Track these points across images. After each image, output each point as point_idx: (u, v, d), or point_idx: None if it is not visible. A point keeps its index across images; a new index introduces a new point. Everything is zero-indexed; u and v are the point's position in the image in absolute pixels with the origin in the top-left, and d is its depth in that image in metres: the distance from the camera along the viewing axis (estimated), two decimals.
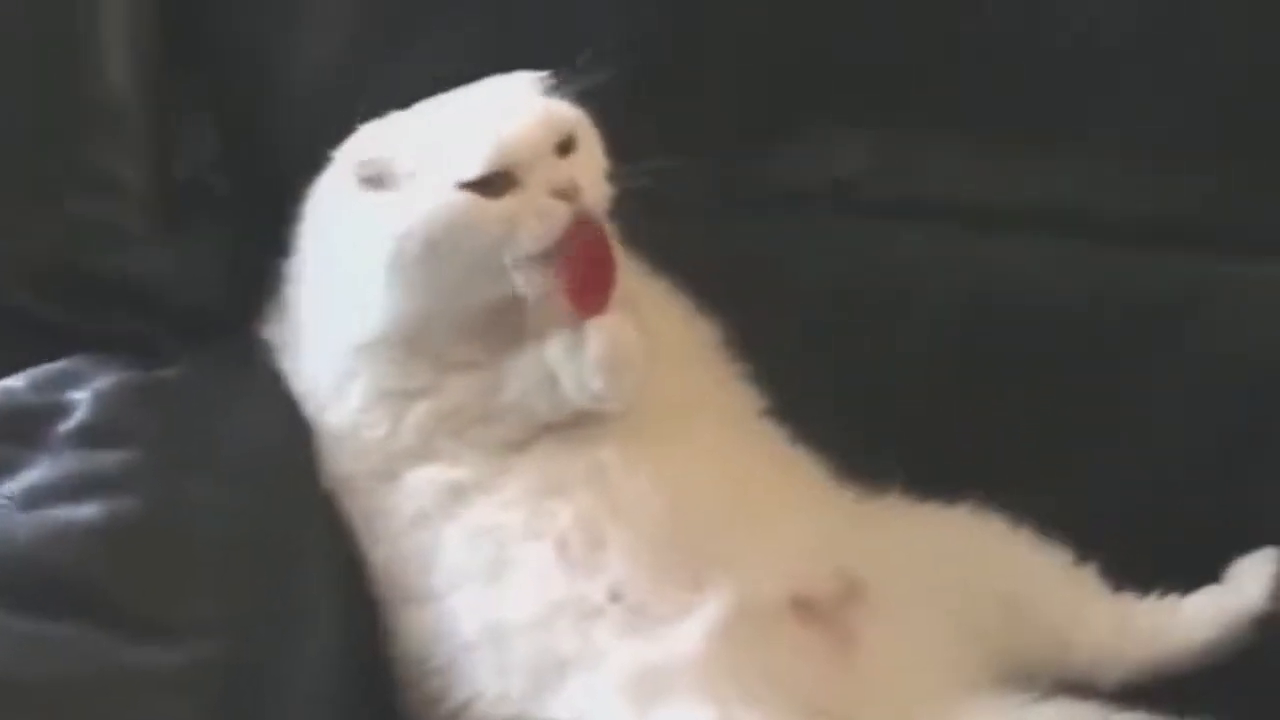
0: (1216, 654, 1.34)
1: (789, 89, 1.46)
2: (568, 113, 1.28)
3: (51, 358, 1.34)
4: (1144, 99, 1.43)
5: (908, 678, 1.28)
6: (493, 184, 1.24)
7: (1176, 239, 1.46)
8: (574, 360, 1.26)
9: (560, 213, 1.24)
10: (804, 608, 1.26)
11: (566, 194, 1.24)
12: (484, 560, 1.25)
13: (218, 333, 1.38)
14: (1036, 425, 1.45)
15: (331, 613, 1.25)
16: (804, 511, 1.31)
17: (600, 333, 1.25)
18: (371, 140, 1.29)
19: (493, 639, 1.23)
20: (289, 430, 1.31)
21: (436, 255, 1.24)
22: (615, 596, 1.23)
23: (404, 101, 1.33)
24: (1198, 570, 1.38)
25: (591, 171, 1.27)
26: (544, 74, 1.29)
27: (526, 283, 1.24)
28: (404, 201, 1.25)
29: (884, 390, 1.46)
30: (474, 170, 1.23)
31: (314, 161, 1.33)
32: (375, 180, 1.26)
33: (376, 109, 1.32)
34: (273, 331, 1.36)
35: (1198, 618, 1.35)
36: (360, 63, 1.44)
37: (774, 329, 1.40)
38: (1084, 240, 1.47)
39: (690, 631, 1.22)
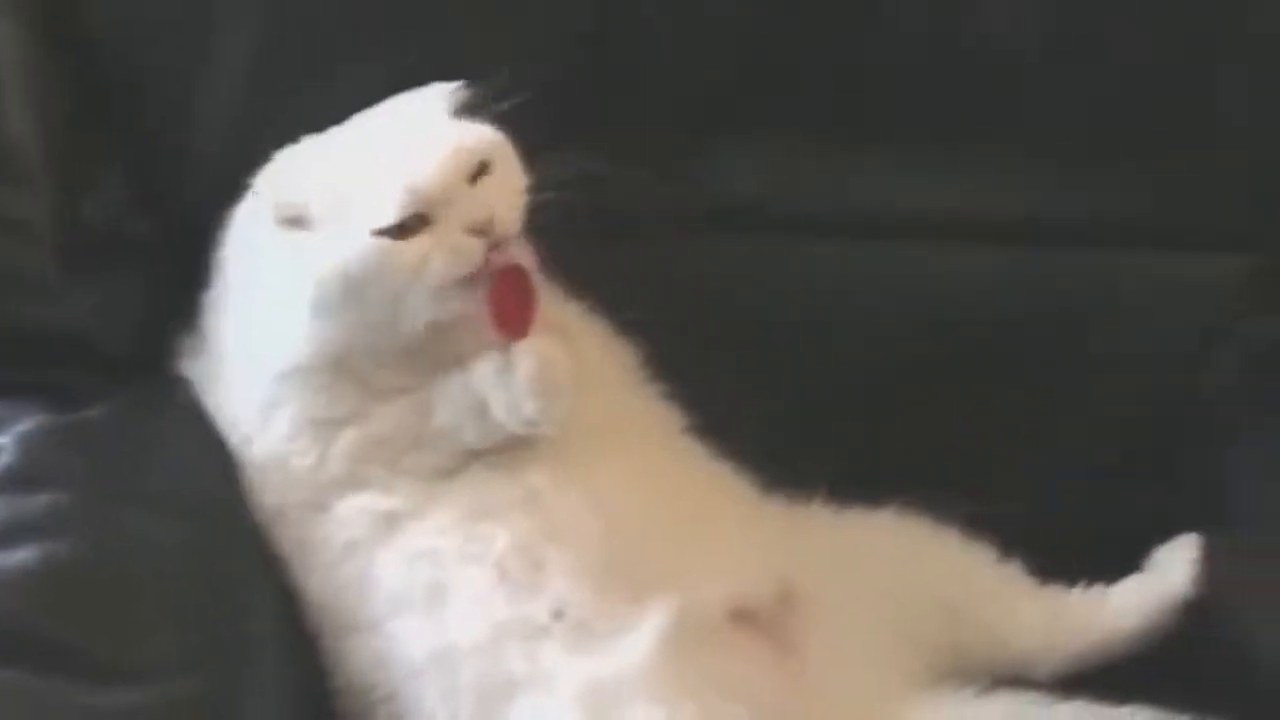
0: (1145, 640, 1.37)
1: (714, 103, 1.47)
2: (479, 138, 1.28)
3: None
4: (1062, 106, 1.46)
5: (850, 682, 1.29)
6: (407, 225, 1.24)
7: (1100, 239, 1.50)
8: (503, 384, 1.26)
9: (474, 249, 1.24)
10: (743, 618, 1.27)
11: (480, 229, 1.24)
12: (422, 586, 1.25)
13: (137, 374, 1.36)
14: (970, 430, 1.48)
15: (278, 646, 1.24)
16: (736, 523, 1.32)
17: (528, 355, 1.26)
18: (286, 177, 1.28)
19: (438, 664, 1.23)
20: (217, 463, 1.29)
21: (355, 297, 1.24)
22: (558, 615, 1.23)
23: (316, 129, 1.32)
24: (1132, 562, 1.42)
25: (506, 196, 1.26)
26: (456, 86, 1.29)
27: (446, 310, 1.25)
28: (321, 245, 1.25)
29: (816, 403, 1.48)
30: (386, 218, 1.23)
31: (229, 195, 1.32)
32: (292, 222, 1.26)
33: (288, 139, 1.31)
34: (191, 367, 1.35)
35: (1125, 606, 1.37)
36: (270, 94, 1.43)
37: (701, 346, 1.40)
38: (1012, 245, 1.49)
39: (636, 644, 1.22)
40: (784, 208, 1.49)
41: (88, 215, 1.41)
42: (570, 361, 1.27)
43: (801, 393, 1.48)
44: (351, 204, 1.24)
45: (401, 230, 1.23)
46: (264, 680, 1.21)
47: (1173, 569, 1.38)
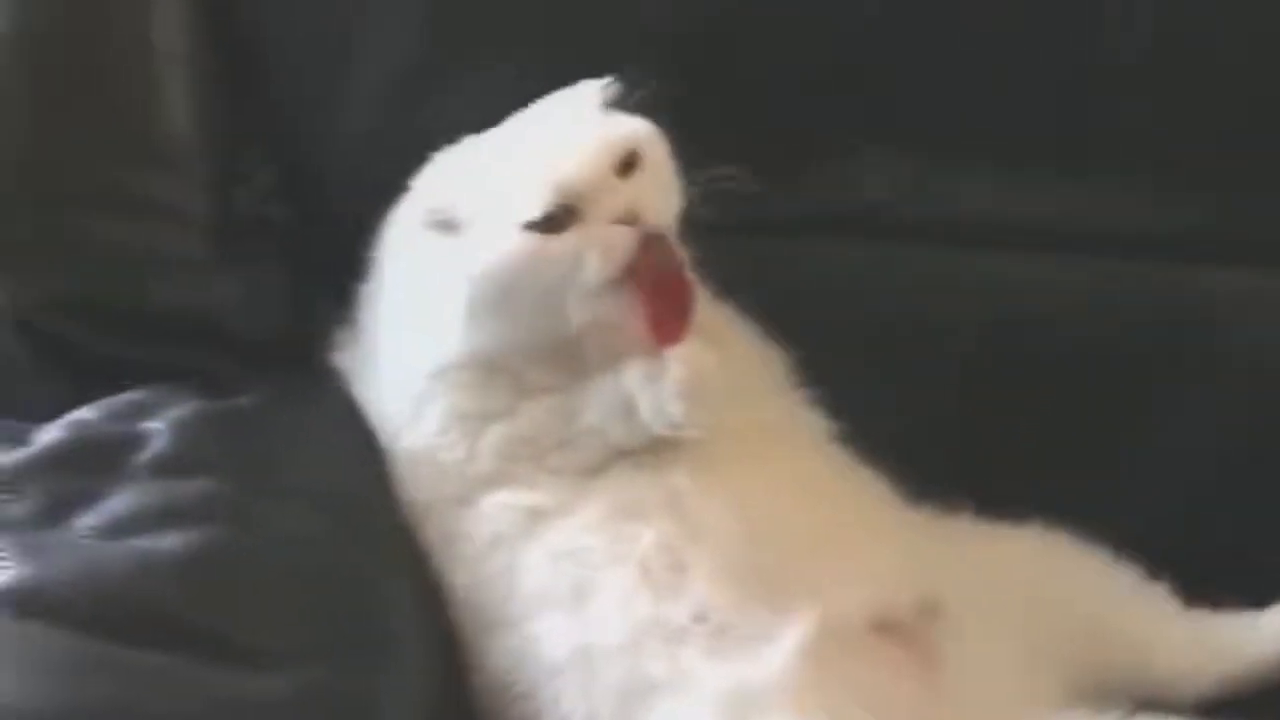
0: None
1: (818, 112, 1.46)
2: (628, 130, 1.27)
3: (110, 391, 1.33)
4: (1158, 120, 1.44)
5: (990, 697, 1.27)
6: (556, 220, 1.23)
7: (1197, 253, 1.47)
8: (652, 388, 1.26)
9: (625, 240, 1.23)
10: (885, 629, 1.26)
11: (629, 219, 1.23)
12: (566, 584, 1.25)
13: (285, 363, 1.37)
14: (1071, 443, 1.46)
15: (415, 641, 1.23)
16: (881, 533, 1.31)
17: (681, 362, 1.25)
18: (437, 182, 1.29)
19: (579, 663, 1.23)
20: (365, 457, 1.30)
21: (508, 297, 1.25)
22: (699, 619, 1.23)
23: (461, 129, 1.33)
24: (1235, 588, 1.39)
25: (657, 189, 1.26)
26: (606, 82, 1.29)
27: (601, 312, 1.25)
28: (471, 247, 1.25)
29: (925, 414, 1.46)
30: (534, 212, 1.23)
31: (372, 190, 1.33)
32: (442, 226, 1.26)
33: (437, 130, 1.32)
34: (344, 359, 1.36)
35: (1275, 632, 1.35)
36: (415, 92, 1.45)
37: (837, 351, 1.39)
38: (1110, 258, 1.48)
39: (777, 652, 1.21)
40: (907, 214, 1.48)
41: (238, 203, 1.43)
42: (721, 369, 1.26)
43: (925, 401, 1.47)
44: (500, 202, 1.25)
45: (551, 225, 1.23)
46: (403, 675, 1.21)
47: None
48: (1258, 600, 1.38)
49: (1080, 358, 1.46)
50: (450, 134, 1.33)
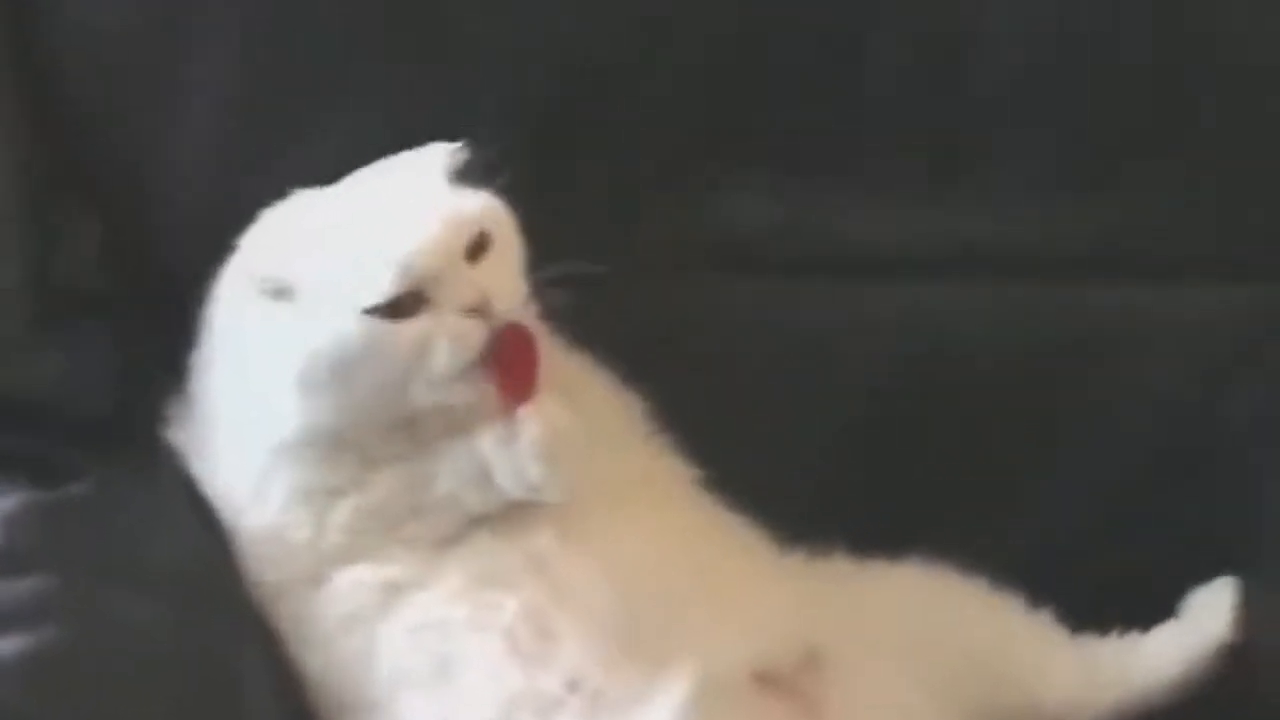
0: (1183, 690, 1.31)
1: (686, 148, 1.41)
2: (476, 208, 1.21)
3: None
4: (1047, 137, 1.41)
5: None
6: (401, 305, 1.17)
7: (1094, 272, 1.43)
8: (507, 452, 1.20)
9: (476, 332, 1.17)
10: (767, 681, 1.21)
11: (480, 310, 1.17)
12: (428, 659, 1.18)
13: (116, 442, 1.29)
14: (974, 470, 1.41)
15: None
16: (756, 581, 1.26)
17: (534, 421, 1.19)
18: (269, 244, 1.22)
19: None
20: (208, 539, 1.23)
21: (344, 378, 1.18)
22: (573, 686, 1.17)
23: (300, 183, 1.26)
24: (1141, 606, 1.36)
25: (506, 272, 1.21)
26: (455, 147, 1.23)
27: (446, 394, 1.19)
28: (306, 321, 1.18)
29: (812, 449, 1.42)
30: (378, 296, 1.17)
31: (204, 248, 1.26)
32: (274, 293, 1.19)
33: (270, 188, 1.25)
34: (180, 434, 1.28)
35: (1163, 655, 1.32)
36: (248, 141, 1.37)
37: (689, 396, 1.33)
38: (1002, 282, 1.43)
39: (656, 714, 1.16)
40: (786, 249, 1.43)
41: (56, 270, 1.35)
42: (578, 425, 1.21)
43: (803, 437, 1.42)
44: (339, 278, 1.18)
45: (395, 310, 1.17)
46: None
47: (1211, 615, 1.32)
48: (1145, 626, 1.35)
49: (976, 385, 1.42)
50: (288, 188, 1.26)
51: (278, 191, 1.26)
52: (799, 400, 1.42)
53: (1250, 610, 1.31)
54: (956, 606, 1.32)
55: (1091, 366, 1.42)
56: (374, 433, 1.21)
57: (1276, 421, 1.41)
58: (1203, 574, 1.36)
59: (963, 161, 1.41)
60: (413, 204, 1.20)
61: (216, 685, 1.16)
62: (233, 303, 1.23)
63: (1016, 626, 1.32)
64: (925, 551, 1.33)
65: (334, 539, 1.21)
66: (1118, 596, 1.36)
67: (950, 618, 1.31)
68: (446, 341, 1.17)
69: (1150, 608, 1.35)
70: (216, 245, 1.25)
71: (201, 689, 1.15)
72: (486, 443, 1.20)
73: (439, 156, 1.23)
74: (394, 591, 1.20)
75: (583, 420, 1.21)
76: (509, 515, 1.22)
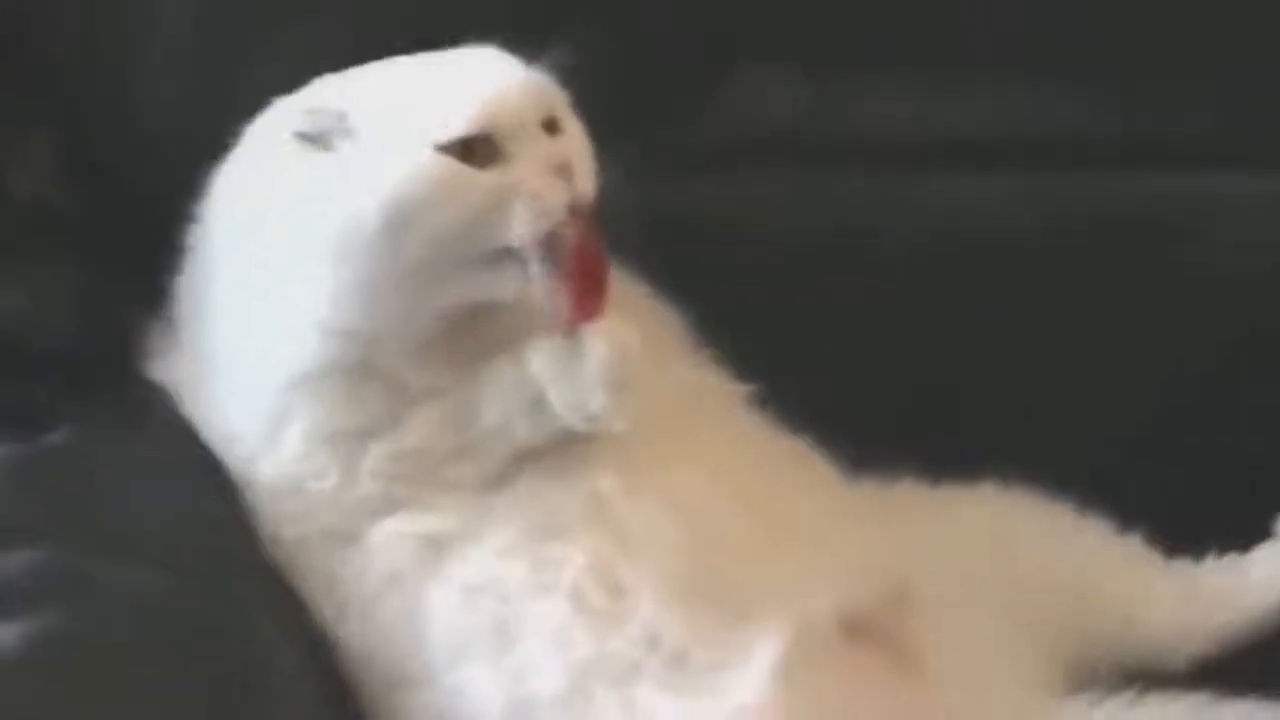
0: None
1: (718, 33, 1.29)
2: (553, 88, 1.07)
3: None
4: (1084, 24, 1.29)
5: (981, 688, 1.10)
6: (475, 153, 1.02)
7: (1132, 160, 1.32)
8: (568, 375, 1.05)
9: (559, 193, 1.02)
10: (857, 631, 1.08)
11: (563, 172, 1.03)
12: (486, 625, 1.04)
13: (93, 382, 1.12)
14: (1035, 369, 1.31)
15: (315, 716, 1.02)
16: (835, 518, 1.12)
17: (601, 342, 1.04)
18: (319, 92, 1.06)
19: (516, 718, 1.02)
20: (214, 493, 1.06)
21: (405, 231, 1.01)
22: (651, 646, 1.03)
23: (268, 96, 1.09)
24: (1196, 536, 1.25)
25: (583, 155, 1.06)
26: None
27: (511, 280, 1.03)
28: (360, 164, 1.02)
29: (856, 353, 1.29)
30: (457, 128, 1.01)
31: (177, 164, 1.11)
32: (321, 137, 1.03)
33: (235, 105, 1.09)
34: (168, 370, 1.12)
35: (1268, 576, 1.20)
36: (215, 56, 1.22)
37: (723, 304, 1.18)
38: (1037, 170, 1.32)
39: (749, 678, 1.02)
40: (814, 138, 1.31)
41: (13, 190, 1.18)
42: (644, 349, 1.06)
43: (845, 339, 1.30)
44: (406, 115, 1.02)
45: (469, 155, 1.02)
46: None
47: None
48: (1227, 547, 1.24)
49: (1015, 275, 1.30)
50: (261, 99, 1.10)
51: (249, 103, 1.10)
52: (836, 300, 1.30)
53: None
54: (1043, 534, 1.20)
55: (1153, 254, 1.31)
56: (407, 356, 1.05)
57: None
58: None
59: (998, 48, 1.30)
60: (486, 68, 1.06)
61: (241, 670, 1.00)
62: (247, 180, 1.07)
63: (1109, 552, 1.21)
64: (994, 466, 1.21)
65: (365, 487, 1.05)
66: (1198, 516, 1.25)
67: (1036, 545, 1.19)
68: (529, 197, 1.02)
69: (1237, 528, 1.24)
70: (187, 162, 1.11)
71: (225, 676, 0.99)
72: (542, 364, 1.05)
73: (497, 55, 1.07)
74: (439, 545, 1.05)
75: (644, 337, 1.07)
76: (561, 451, 1.07)
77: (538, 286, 1.03)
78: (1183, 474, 1.29)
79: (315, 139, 1.04)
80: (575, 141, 1.06)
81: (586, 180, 1.05)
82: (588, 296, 1.04)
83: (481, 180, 1.02)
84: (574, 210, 1.03)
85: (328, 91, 1.07)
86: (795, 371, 1.18)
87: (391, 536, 1.06)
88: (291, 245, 1.04)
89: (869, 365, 1.29)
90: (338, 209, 1.02)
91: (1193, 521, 1.24)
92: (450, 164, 1.01)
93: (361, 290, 1.03)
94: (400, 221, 1.01)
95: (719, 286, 1.18)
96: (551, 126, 1.05)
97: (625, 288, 1.13)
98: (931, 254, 1.31)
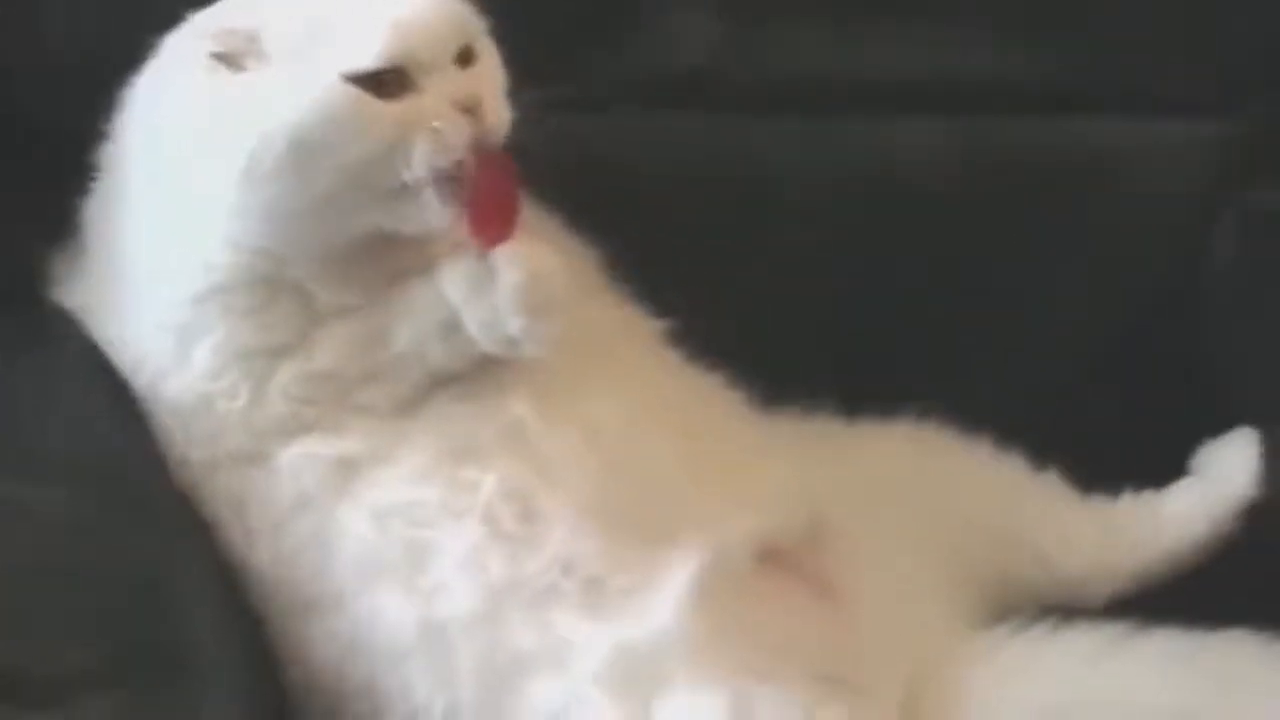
0: (1206, 550, 1.20)
1: None
2: (470, 17, 1.05)
3: None
4: None
5: (896, 620, 1.11)
6: (384, 84, 1.00)
7: (1047, 106, 1.31)
8: (481, 297, 1.03)
9: (463, 129, 1.01)
10: (772, 559, 1.08)
11: (470, 108, 1.01)
12: (398, 547, 1.02)
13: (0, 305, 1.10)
14: (948, 314, 1.29)
15: (218, 641, 0.99)
16: (749, 449, 1.12)
17: (514, 264, 1.03)
18: (234, 10, 1.03)
19: (429, 643, 1.01)
20: (121, 414, 1.04)
21: (310, 160, 1.00)
22: (566, 571, 1.02)
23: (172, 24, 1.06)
24: (1142, 462, 1.25)
25: (493, 88, 1.04)
26: None
27: (415, 210, 1.01)
28: (269, 89, 1.00)
29: (772, 294, 1.28)
30: (368, 60, 0.99)
31: (79, 84, 1.08)
32: (234, 57, 1.01)
33: (139, 34, 1.06)
34: (73, 294, 1.10)
35: (1185, 514, 1.20)
36: None
37: (638, 242, 1.17)
38: (953, 114, 1.31)
39: (663, 604, 1.02)
40: (734, 79, 1.29)
41: None
42: (561, 271, 1.04)
43: (762, 281, 1.28)
44: (319, 39, 1.00)
45: (379, 86, 1.00)
46: (205, 688, 0.96)
47: (1231, 469, 1.21)
48: (1153, 485, 1.24)
49: (951, 224, 1.29)
50: (182, 12, 1.06)
51: (160, 21, 1.07)
52: (756, 243, 1.29)
53: (1273, 463, 1.20)
54: (958, 469, 1.20)
55: (1068, 199, 1.30)
56: (319, 274, 1.04)
57: (1254, 261, 1.31)
58: (1204, 424, 1.25)
59: None
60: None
61: (145, 595, 0.98)
62: (156, 98, 1.05)
63: (1023, 488, 1.20)
64: (912, 408, 1.21)
65: (275, 408, 1.04)
66: (1115, 455, 1.24)
67: (953, 481, 1.19)
68: (432, 131, 1.00)
69: (1153, 464, 1.24)
70: (95, 83, 1.08)
71: (127, 601, 0.97)
72: (456, 287, 1.04)
73: None
74: (350, 468, 1.04)
75: (563, 261, 1.06)
76: (475, 377, 1.06)
77: (437, 218, 1.01)
78: (1099, 414, 1.29)
79: (227, 59, 1.02)
80: (487, 75, 1.05)
81: (494, 115, 1.03)
82: (490, 226, 1.03)
83: (385, 113, 1.00)
84: (479, 145, 1.01)
85: (241, 11, 1.04)
86: (707, 314, 1.17)
87: (301, 458, 1.04)
88: (203, 163, 1.02)
89: (782, 308, 1.28)
90: (246, 132, 1.00)
91: (1110, 461, 1.24)
92: (356, 96, 1.00)
93: (270, 213, 1.02)
94: (304, 151, 1.00)
95: (631, 226, 1.16)
96: (466, 57, 1.04)
97: (540, 223, 1.12)
98: (845, 197, 1.29)
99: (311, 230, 1.03)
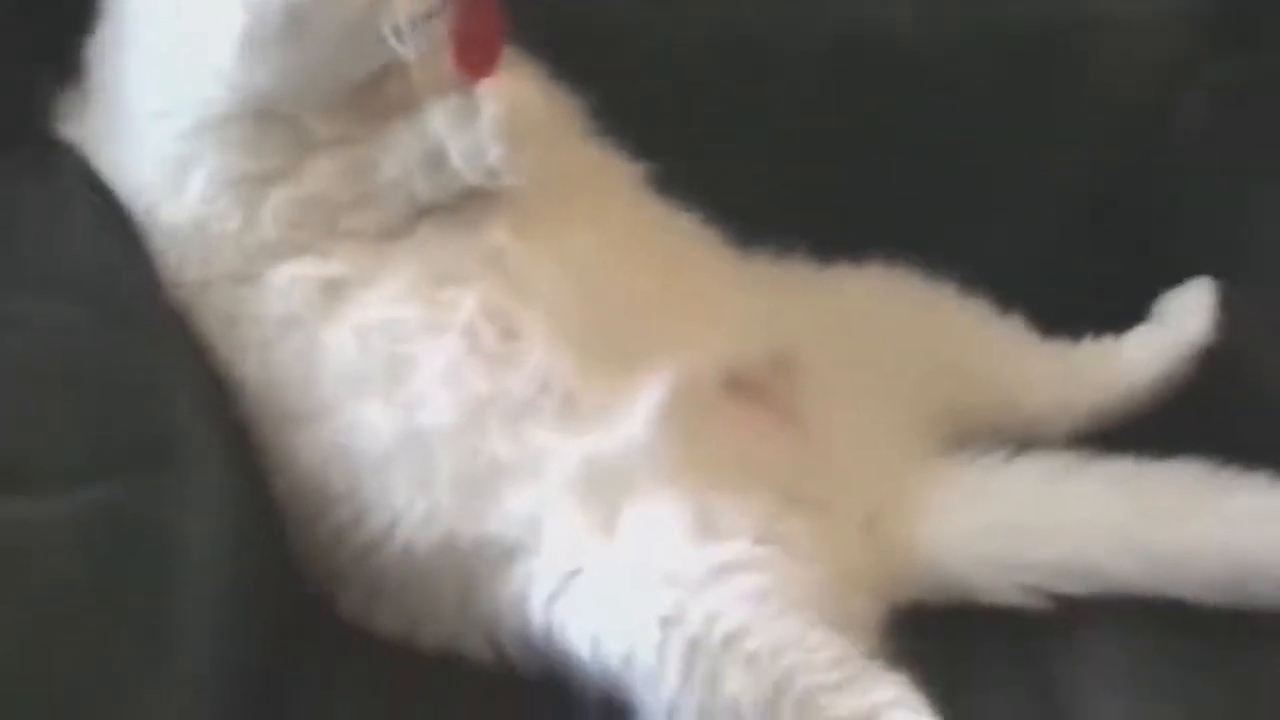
0: (1162, 393, 1.24)
1: None
2: None
3: None
4: None
5: (858, 451, 1.15)
6: None
7: None
8: (465, 129, 1.08)
9: None
10: (739, 387, 1.13)
11: None
12: (380, 362, 1.07)
13: (5, 138, 1.13)
14: (913, 176, 1.32)
15: (208, 444, 1.04)
16: (720, 283, 1.17)
17: (496, 98, 1.08)
18: None
19: (409, 451, 1.06)
20: (119, 236, 1.09)
21: (295, 32, 1.05)
22: (543, 388, 1.07)
23: None
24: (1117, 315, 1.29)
25: None
26: None
27: (403, 48, 1.06)
28: None
29: (755, 150, 1.32)
30: None
31: None
32: None
33: None
34: (75, 129, 1.14)
35: (1141, 357, 1.25)
36: None
37: (627, 93, 1.21)
38: None
39: (634, 419, 1.07)
40: None
41: None
42: (541, 105, 1.10)
43: (745, 137, 1.32)
44: None
45: None
46: (194, 484, 1.02)
47: (1190, 315, 1.25)
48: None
49: (926, 87, 1.32)
50: None
51: None
52: (737, 99, 1.32)
53: (1229, 311, 1.25)
54: (924, 311, 1.24)
55: (1041, 72, 1.34)
56: (311, 108, 1.08)
57: (1215, 129, 1.35)
58: (1167, 283, 1.29)
59: None
60: None
61: (142, 400, 1.03)
62: None
63: (986, 327, 1.25)
64: (886, 256, 1.26)
65: (266, 231, 1.09)
66: (1086, 309, 1.29)
67: (919, 322, 1.23)
68: None
69: (1119, 320, 1.29)
70: None
71: (128, 405, 1.02)
72: (440, 120, 1.08)
73: None
74: (336, 289, 1.09)
75: (544, 100, 1.10)
76: (458, 208, 1.11)
77: (427, 49, 1.06)
78: (1067, 272, 1.34)
79: None
80: None
81: None
82: (478, 56, 1.08)
83: None
84: None
85: None
86: (688, 165, 1.20)
87: (290, 279, 1.09)
88: (196, 30, 1.07)
89: (762, 162, 1.31)
90: (239, 8, 1.05)
91: (1077, 314, 1.28)
92: None
93: (262, 71, 1.07)
94: (292, 23, 1.05)
95: (613, 80, 1.20)
96: None
97: (525, 68, 1.16)
98: (826, 59, 1.32)
99: (307, 77, 1.08)
